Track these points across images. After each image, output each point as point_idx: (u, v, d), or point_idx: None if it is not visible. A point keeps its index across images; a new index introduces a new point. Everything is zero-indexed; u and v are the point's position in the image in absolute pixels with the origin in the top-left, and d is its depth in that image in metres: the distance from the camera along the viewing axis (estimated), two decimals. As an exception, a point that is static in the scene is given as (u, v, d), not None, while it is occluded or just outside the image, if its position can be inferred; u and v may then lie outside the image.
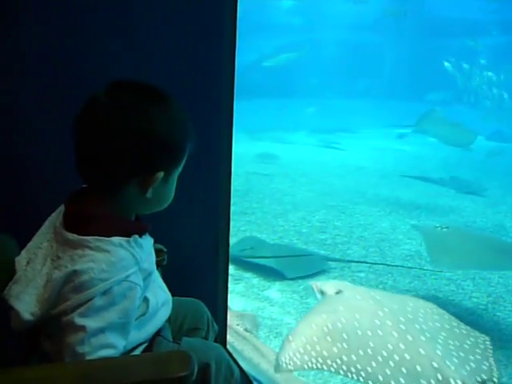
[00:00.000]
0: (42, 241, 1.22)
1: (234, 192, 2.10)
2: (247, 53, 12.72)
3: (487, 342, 2.17)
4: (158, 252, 1.44)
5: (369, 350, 1.96)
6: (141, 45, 1.76)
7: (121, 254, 1.14)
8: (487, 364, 2.04)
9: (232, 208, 2.10)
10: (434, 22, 15.40)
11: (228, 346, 2.33)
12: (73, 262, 1.11)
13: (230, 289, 2.23)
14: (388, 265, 4.32)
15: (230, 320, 2.51)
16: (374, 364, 1.92)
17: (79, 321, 1.07)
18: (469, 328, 2.25)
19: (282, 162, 8.71)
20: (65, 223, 1.20)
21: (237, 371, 1.44)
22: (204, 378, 1.31)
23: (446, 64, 14.14)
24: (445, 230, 3.82)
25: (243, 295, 3.68)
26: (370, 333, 2.03)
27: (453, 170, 8.13)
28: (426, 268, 4.28)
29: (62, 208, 1.26)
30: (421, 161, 9.48)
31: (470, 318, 3.49)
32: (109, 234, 1.15)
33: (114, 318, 1.10)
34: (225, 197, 2.04)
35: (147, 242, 1.28)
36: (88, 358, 1.06)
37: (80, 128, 1.18)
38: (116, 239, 1.15)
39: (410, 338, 2.02)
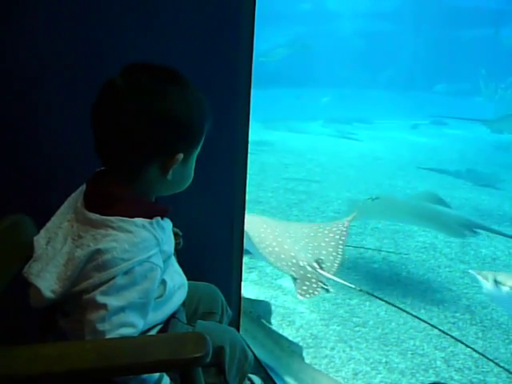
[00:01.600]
0: (61, 221, 1.23)
1: (248, 181, 2.11)
2: (260, 42, 12.62)
3: (341, 242, 3.37)
4: (173, 235, 1.45)
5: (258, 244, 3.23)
6: (159, 31, 1.75)
7: (143, 234, 1.15)
8: (334, 254, 3.26)
9: (247, 197, 2.10)
10: (455, 11, 15.13)
11: (241, 332, 2.34)
12: (96, 241, 1.12)
13: (243, 277, 2.24)
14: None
15: (244, 307, 2.52)
16: (259, 250, 3.18)
17: (101, 299, 1.09)
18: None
19: (296, 152, 8.68)
20: (86, 203, 1.21)
21: (251, 355, 1.44)
22: (218, 361, 1.32)
23: (467, 55, 13.93)
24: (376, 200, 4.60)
25: (256, 283, 3.70)
26: (257, 236, 3.29)
27: (469, 162, 8.05)
28: (440, 260, 4.28)
29: (82, 188, 1.27)
30: (437, 153, 9.38)
31: (484, 311, 3.48)
32: (131, 215, 1.16)
33: (135, 298, 1.11)
34: (240, 183, 2.04)
35: (168, 224, 1.29)
36: (108, 335, 1.07)
37: (97, 112, 1.18)
38: (139, 220, 1.16)
39: (279, 239, 3.31)
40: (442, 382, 2.71)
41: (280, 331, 2.99)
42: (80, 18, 1.66)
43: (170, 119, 1.16)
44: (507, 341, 3.13)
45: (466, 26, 14.96)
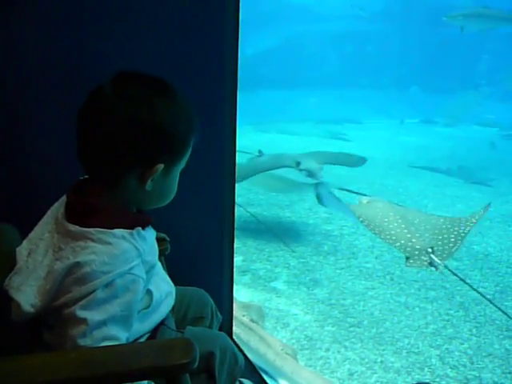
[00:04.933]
0: (43, 231, 1.21)
1: (240, 184, 2.09)
2: (247, 44, 12.62)
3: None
4: (161, 241, 1.44)
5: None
6: (143, 37, 1.74)
7: (123, 246, 1.13)
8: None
9: (238, 199, 2.09)
10: (442, 11, 15.14)
11: (234, 337, 2.33)
12: (75, 253, 1.10)
13: (236, 280, 2.23)
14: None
15: (236, 311, 2.51)
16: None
17: (81, 313, 1.07)
18: None
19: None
20: (67, 214, 1.18)
21: (241, 359, 1.43)
22: (208, 367, 1.31)
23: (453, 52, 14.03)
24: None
25: (250, 287, 3.68)
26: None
27: (460, 160, 8.08)
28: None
29: (64, 198, 1.24)
30: (428, 151, 9.40)
31: (477, 307, 3.48)
32: (111, 226, 1.14)
33: (117, 311, 1.09)
34: (229, 185, 2.03)
35: (150, 234, 1.27)
36: None
37: (81, 117, 1.17)
38: (119, 231, 1.14)
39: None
40: (426, 381, 2.71)
41: (274, 334, 2.99)
42: (63, 25, 1.65)
43: (150, 128, 1.14)
44: (501, 336, 3.14)
45: (452, 24, 14.99)
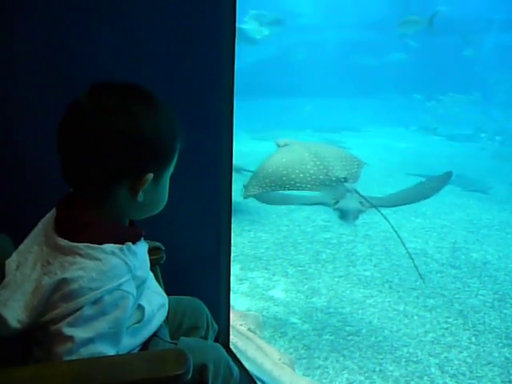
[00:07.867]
0: (32, 244, 1.18)
1: (237, 192, 2.09)
2: (245, 53, 12.66)
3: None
4: (155, 250, 1.42)
5: None
6: (139, 45, 1.74)
7: (112, 262, 1.11)
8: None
9: (236, 207, 2.07)
10: (440, 20, 15.25)
11: (231, 346, 2.31)
12: (63, 269, 1.08)
13: (234, 289, 2.21)
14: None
15: (233, 320, 2.50)
16: None
17: (67, 331, 1.04)
18: None
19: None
20: (56, 228, 1.16)
21: (236, 371, 1.41)
22: (201, 379, 1.28)
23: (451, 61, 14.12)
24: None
25: (248, 295, 3.66)
26: None
27: (458, 168, 8.08)
28: (431, 266, 4.27)
29: (54, 211, 1.22)
30: (426, 158, 9.42)
31: (476, 315, 3.46)
32: (101, 241, 1.12)
33: (105, 328, 1.07)
34: (226, 193, 2.02)
35: (142, 248, 1.24)
36: None
37: (62, 133, 1.14)
38: (108, 246, 1.12)
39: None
40: None
41: (272, 343, 2.96)
42: (58, 34, 1.65)
43: (134, 138, 1.11)
44: (500, 344, 3.12)
45: (450, 33, 15.08)
